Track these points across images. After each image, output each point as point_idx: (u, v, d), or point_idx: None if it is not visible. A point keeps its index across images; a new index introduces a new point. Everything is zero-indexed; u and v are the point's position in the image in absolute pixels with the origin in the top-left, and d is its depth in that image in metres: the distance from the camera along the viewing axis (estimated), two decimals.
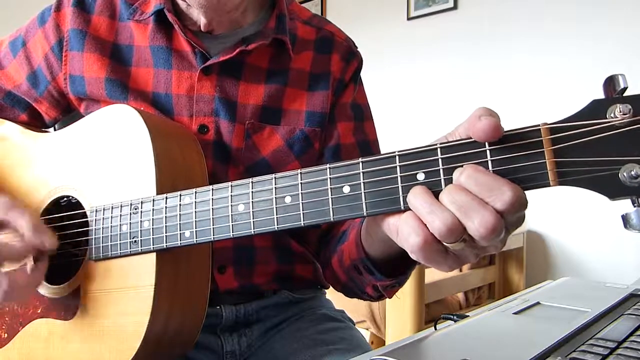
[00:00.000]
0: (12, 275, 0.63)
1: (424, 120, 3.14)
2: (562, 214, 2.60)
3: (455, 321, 0.59)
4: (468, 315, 0.60)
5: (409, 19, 3.26)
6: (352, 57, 0.87)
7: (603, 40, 2.53)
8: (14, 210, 0.65)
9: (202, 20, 0.79)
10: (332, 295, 0.94)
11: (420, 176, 0.47)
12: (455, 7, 3.07)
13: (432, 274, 2.12)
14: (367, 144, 0.87)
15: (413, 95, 3.23)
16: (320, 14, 3.63)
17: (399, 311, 1.89)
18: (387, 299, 1.14)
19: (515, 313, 0.60)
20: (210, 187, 0.59)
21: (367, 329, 2.11)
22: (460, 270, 2.41)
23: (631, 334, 0.50)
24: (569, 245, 2.66)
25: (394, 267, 0.65)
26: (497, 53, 2.90)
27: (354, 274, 0.69)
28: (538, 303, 0.64)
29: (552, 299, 0.65)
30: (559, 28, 2.68)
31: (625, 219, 0.42)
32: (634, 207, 0.42)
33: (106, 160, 0.69)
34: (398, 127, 3.11)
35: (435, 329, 0.58)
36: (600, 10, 2.55)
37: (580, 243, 2.62)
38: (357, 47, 0.90)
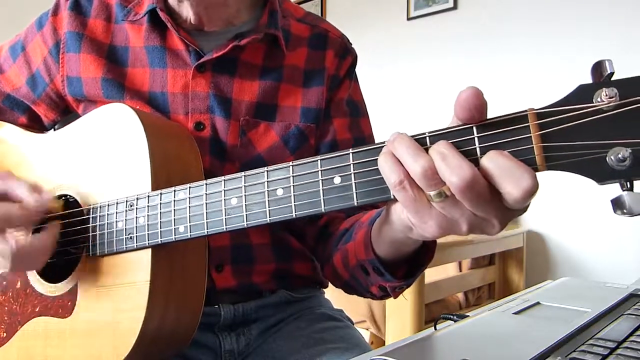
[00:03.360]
0: (19, 241, 0.63)
1: (424, 119, 3.14)
2: (562, 214, 2.60)
3: (455, 321, 0.59)
4: (468, 315, 0.60)
5: (409, 19, 3.26)
6: (346, 54, 0.88)
7: (603, 40, 2.53)
8: (11, 179, 0.65)
9: (191, 16, 0.79)
10: (331, 295, 0.94)
11: None
12: (455, 7, 3.07)
13: (432, 274, 2.12)
14: (364, 140, 0.87)
15: (413, 95, 3.23)
16: (320, 14, 3.63)
17: (399, 311, 1.89)
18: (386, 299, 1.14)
19: (515, 313, 0.59)
20: (204, 182, 0.59)
21: (367, 329, 2.11)
22: (460, 270, 2.41)
23: (631, 334, 0.50)
24: (569, 245, 2.66)
25: (404, 269, 0.65)
26: (497, 53, 2.90)
27: (359, 273, 0.69)
28: (538, 303, 0.64)
29: (552, 299, 0.65)
30: (558, 28, 2.68)
31: (615, 203, 0.42)
32: (623, 190, 0.41)
33: (103, 159, 0.70)
34: (398, 126, 3.09)
35: (435, 329, 0.58)
36: (600, 10, 2.55)
37: (580, 243, 2.62)
38: (351, 44, 0.90)
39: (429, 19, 3.19)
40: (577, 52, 2.61)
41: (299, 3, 3.63)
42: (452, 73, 3.06)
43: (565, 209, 2.57)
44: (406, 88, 3.26)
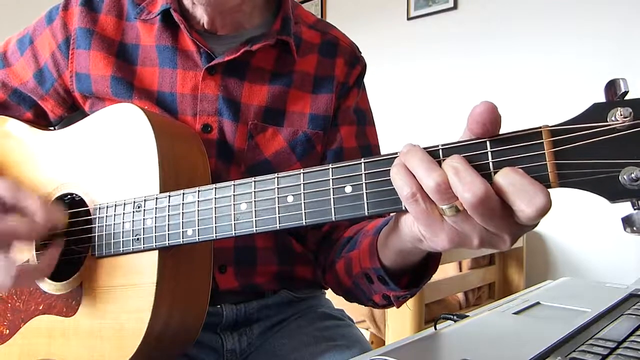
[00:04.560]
0: (22, 265, 0.64)
1: (424, 120, 3.14)
2: (562, 214, 2.60)
3: (455, 321, 0.60)
4: (468, 315, 0.61)
5: (409, 19, 3.26)
6: (356, 62, 0.88)
7: (603, 40, 2.53)
8: (21, 192, 0.65)
9: (205, 19, 0.79)
10: (332, 295, 0.94)
11: None
12: (455, 7, 3.07)
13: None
14: (369, 149, 0.88)
15: (413, 95, 3.23)
16: (320, 14, 3.63)
17: (399, 311, 1.89)
18: None
19: (515, 313, 0.60)
20: (213, 185, 0.59)
21: (367, 329, 2.11)
22: (460, 270, 2.41)
23: (631, 334, 0.50)
24: (569, 245, 2.67)
25: (408, 278, 0.65)
26: (497, 53, 2.90)
27: (362, 282, 0.69)
28: (538, 303, 0.64)
29: (552, 299, 0.65)
30: (558, 27, 2.68)
31: (626, 222, 0.42)
32: (634, 209, 0.42)
33: (110, 159, 0.69)
34: (398, 126, 3.11)
35: (435, 329, 0.58)
36: (601, 10, 2.56)
37: (580, 243, 2.62)
38: (361, 53, 0.90)
39: (429, 19, 3.19)
40: (577, 52, 2.61)
41: (299, 2, 3.63)
42: (452, 73, 3.06)
43: (565, 209, 2.57)
44: (406, 88, 3.26)
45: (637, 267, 2.40)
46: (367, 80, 0.92)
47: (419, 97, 3.20)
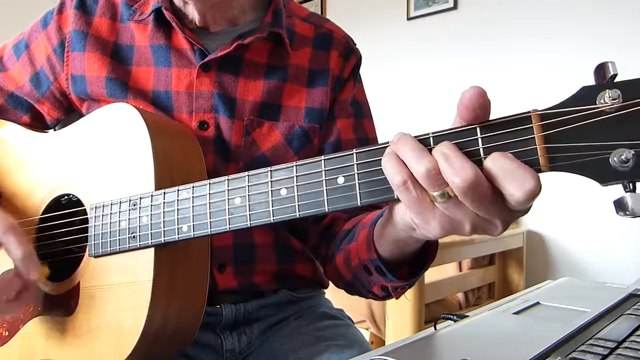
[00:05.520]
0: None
1: (424, 120, 3.14)
2: (562, 214, 2.60)
3: (455, 321, 0.59)
4: (468, 315, 0.60)
5: (409, 19, 3.27)
6: (350, 54, 0.88)
7: (603, 40, 2.53)
8: (11, 234, 0.66)
9: (196, 16, 0.79)
10: (332, 295, 0.94)
11: None
12: (455, 7, 3.07)
13: (432, 274, 2.11)
14: (367, 142, 0.87)
15: (413, 95, 3.23)
16: (319, 14, 3.63)
17: (399, 311, 1.89)
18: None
19: (515, 313, 0.60)
20: (208, 181, 0.59)
21: (367, 329, 2.11)
22: (460, 270, 2.41)
23: (631, 334, 0.50)
24: (569, 245, 2.66)
25: (406, 269, 0.65)
26: (497, 53, 2.90)
27: (361, 274, 0.69)
28: (538, 303, 0.64)
29: (552, 299, 0.65)
30: (558, 28, 2.68)
31: (618, 205, 0.42)
32: (625, 192, 0.41)
33: (106, 158, 0.70)
34: (398, 126, 3.09)
35: (435, 329, 0.58)
36: (600, 10, 2.56)
37: (580, 243, 2.62)
38: (355, 44, 0.90)
39: (429, 19, 3.19)
40: (577, 51, 2.61)
41: (299, 2, 3.63)
42: (452, 73, 3.06)
43: (565, 209, 2.57)
44: (406, 88, 3.26)
45: (637, 267, 2.40)
46: (367, 80, 0.92)
47: (419, 97, 3.20)
